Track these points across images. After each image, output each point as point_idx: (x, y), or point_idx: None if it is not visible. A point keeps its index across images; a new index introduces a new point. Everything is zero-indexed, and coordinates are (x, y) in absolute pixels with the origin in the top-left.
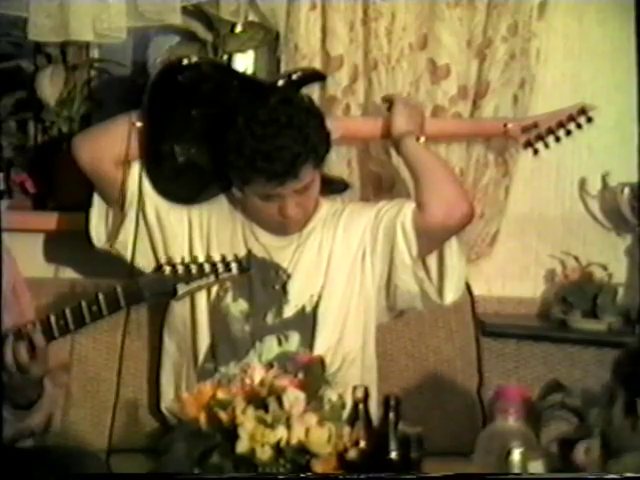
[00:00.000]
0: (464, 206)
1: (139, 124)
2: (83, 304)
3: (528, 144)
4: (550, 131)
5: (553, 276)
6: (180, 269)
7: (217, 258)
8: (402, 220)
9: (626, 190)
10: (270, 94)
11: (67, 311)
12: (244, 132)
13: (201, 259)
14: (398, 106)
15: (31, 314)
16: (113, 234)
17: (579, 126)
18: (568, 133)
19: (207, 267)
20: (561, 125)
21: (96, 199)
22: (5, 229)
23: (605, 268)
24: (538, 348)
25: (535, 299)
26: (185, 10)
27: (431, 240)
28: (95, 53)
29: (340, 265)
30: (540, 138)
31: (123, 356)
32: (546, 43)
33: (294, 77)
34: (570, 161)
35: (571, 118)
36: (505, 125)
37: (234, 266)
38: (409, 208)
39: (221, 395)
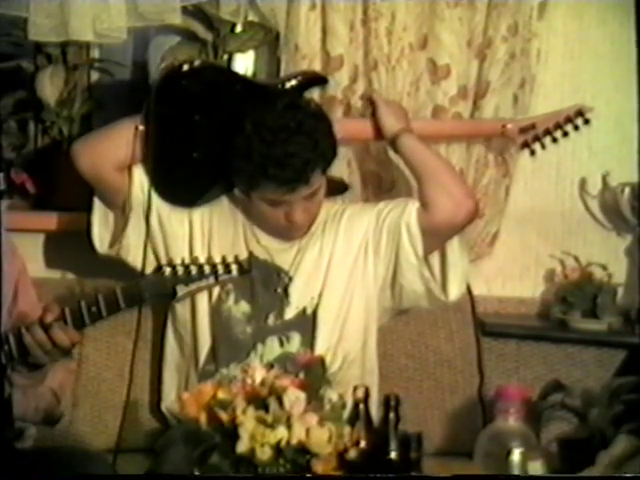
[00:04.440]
0: (470, 203)
1: (142, 128)
2: (82, 305)
3: (525, 145)
4: (547, 132)
5: (553, 276)
6: (180, 270)
7: (218, 259)
8: (407, 220)
9: (626, 190)
10: (276, 99)
11: (67, 312)
12: (253, 138)
13: (202, 260)
14: (382, 107)
15: (35, 313)
16: (116, 239)
17: (576, 127)
18: (565, 134)
19: (207, 268)
20: (558, 126)
21: (97, 203)
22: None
23: (605, 268)
24: (538, 348)
25: (535, 299)
26: (185, 10)
27: (436, 238)
28: (95, 53)
29: (340, 267)
30: (537, 139)
31: (127, 357)
32: (546, 43)
33: (297, 81)
34: (570, 161)
35: (568, 119)
36: (504, 126)
37: (234, 268)
38: (413, 207)
39: (221, 395)
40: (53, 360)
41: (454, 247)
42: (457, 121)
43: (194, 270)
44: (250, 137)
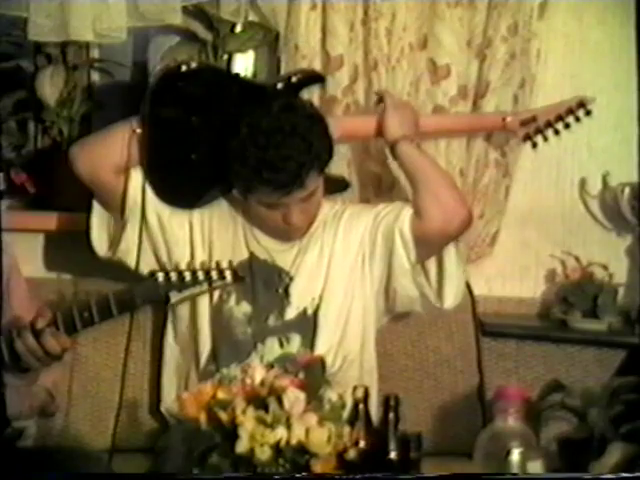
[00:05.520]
0: (463, 213)
1: (139, 130)
2: (74, 310)
3: (527, 137)
4: (549, 124)
5: (553, 276)
6: (173, 276)
7: (212, 265)
8: (400, 226)
9: (626, 190)
10: (272, 100)
11: (58, 316)
12: (247, 141)
13: (196, 265)
14: (389, 109)
15: (26, 312)
16: (115, 242)
17: (577, 119)
18: (567, 126)
19: (200, 275)
20: (560, 118)
21: (96, 206)
22: (5, 229)
23: (605, 268)
24: (538, 348)
25: (535, 299)
26: (185, 10)
27: (430, 246)
28: (95, 53)
29: (340, 268)
30: (539, 131)
31: (126, 357)
32: (546, 43)
33: (293, 80)
34: (570, 161)
35: (570, 111)
36: (504, 119)
37: (228, 274)
38: (407, 213)
39: (221, 395)
40: (44, 365)
41: (451, 257)
42: (457, 115)
43: (187, 276)
44: (245, 141)
